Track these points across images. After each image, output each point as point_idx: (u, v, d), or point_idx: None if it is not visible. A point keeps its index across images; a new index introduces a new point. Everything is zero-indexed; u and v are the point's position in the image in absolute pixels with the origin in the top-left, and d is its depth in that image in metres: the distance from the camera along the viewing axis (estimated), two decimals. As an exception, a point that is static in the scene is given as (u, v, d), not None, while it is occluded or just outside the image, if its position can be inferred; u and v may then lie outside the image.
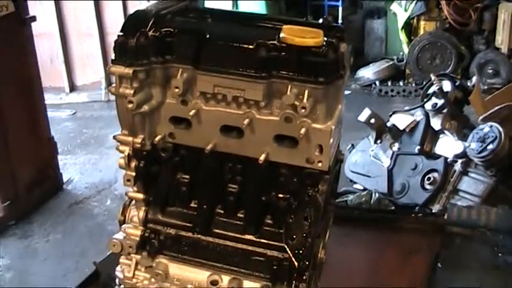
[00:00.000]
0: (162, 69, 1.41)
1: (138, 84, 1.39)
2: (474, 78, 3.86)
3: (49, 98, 6.62)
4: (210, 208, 1.56)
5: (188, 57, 1.37)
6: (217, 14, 1.56)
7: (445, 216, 2.27)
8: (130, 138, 1.48)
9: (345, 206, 2.84)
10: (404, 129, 3.40)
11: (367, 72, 7.96)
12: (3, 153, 4.98)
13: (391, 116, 3.52)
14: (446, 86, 3.43)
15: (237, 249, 1.55)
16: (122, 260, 1.66)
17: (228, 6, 7.56)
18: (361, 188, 3.61)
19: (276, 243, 1.51)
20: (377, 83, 7.81)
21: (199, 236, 1.57)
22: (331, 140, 1.39)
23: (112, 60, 1.37)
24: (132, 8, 7.54)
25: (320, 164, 1.41)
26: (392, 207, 3.15)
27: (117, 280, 1.69)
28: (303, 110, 1.32)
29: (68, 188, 5.73)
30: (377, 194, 3.25)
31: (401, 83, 7.72)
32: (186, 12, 1.53)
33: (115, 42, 1.37)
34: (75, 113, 7.52)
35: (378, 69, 7.88)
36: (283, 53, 1.32)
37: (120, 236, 1.64)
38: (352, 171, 3.71)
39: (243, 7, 7.63)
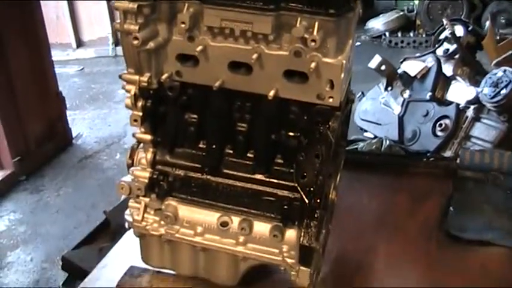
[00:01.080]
0: (168, 4, 1.36)
1: (143, 20, 1.35)
2: (487, 23, 3.78)
3: (56, 55, 6.59)
4: (219, 148, 1.54)
5: (194, -10, 1.33)
6: None
7: (458, 161, 2.23)
8: (136, 77, 1.45)
9: (356, 151, 2.82)
10: (415, 76, 3.35)
11: (377, 23, 7.84)
12: (12, 109, 4.98)
13: (402, 62, 3.45)
14: (459, 30, 3.36)
15: (247, 190, 1.53)
16: (131, 203, 1.65)
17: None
18: (372, 136, 3.58)
19: (286, 183, 1.49)
20: (387, 34, 7.70)
21: (208, 176, 1.55)
22: (342, 75, 1.34)
23: (116, -6, 1.33)
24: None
25: (331, 100, 1.38)
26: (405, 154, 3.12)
27: (126, 224, 1.68)
28: (313, 43, 1.28)
29: (77, 143, 5.76)
30: (388, 141, 3.22)
31: (411, 34, 7.61)
32: None
33: (119, -24, 1.32)
34: (82, 69, 7.49)
35: (387, 20, 7.76)
36: (292, -17, 1.27)
37: (128, 178, 1.62)
38: (363, 119, 3.68)
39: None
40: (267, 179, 1.51)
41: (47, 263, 4.13)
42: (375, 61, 3.35)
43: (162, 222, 1.60)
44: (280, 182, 1.50)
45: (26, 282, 3.99)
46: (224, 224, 1.54)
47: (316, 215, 1.40)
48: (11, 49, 4.87)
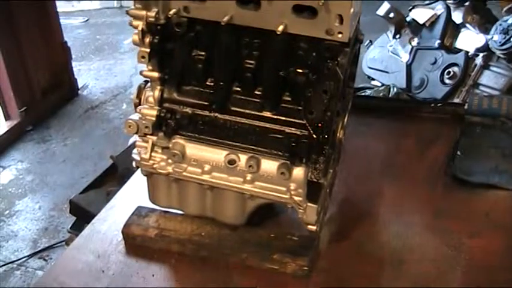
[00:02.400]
0: None
1: (149, -48, 1.33)
2: (499, -32, 3.71)
3: (61, 6, 6.52)
4: (227, 85, 1.52)
5: None
6: None
7: (466, 106, 2.23)
8: (143, 12, 1.43)
9: (363, 95, 2.80)
10: (424, 24, 3.31)
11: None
12: (17, 59, 4.97)
13: (410, 10, 3.41)
14: (470, -24, 3.31)
15: (255, 127, 1.52)
16: (138, 142, 1.65)
17: None
18: (379, 84, 3.56)
19: (294, 120, 1.48)
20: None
21: (216, 114, 1.54)
22: (352, 9, 1.33)
23: None
24: None
25: (340, 36, 1.36)
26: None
27: (133, 163, 1.68)
28: (324, -26, 1.26)
29: (83, 94, 5.76)
30: (395, 89, 3.20)
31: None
32: None
33: None
34: (87, 20, 7.43)
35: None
36: None
37: (135, 116, 1.62)
38: (370, 68, 3.65)
39: None
40: (275, 116, 1.50)
41: (54, 211, 4.19)
42: (384, 8, 3.30)
43: (170, 161, 1.60)
44: (288, 119, 1.49)
45: (35, 230, 4.05)
46: (231, 162, 1.55)
47: (324, 151, 1.40)
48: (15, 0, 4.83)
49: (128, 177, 2.09)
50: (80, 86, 5.67)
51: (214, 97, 1.53)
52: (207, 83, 1.55)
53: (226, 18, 1.39)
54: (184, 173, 1.60)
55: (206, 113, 1.55)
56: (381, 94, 3.18)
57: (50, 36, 5.33)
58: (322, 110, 1.39)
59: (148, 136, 1.62)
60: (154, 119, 1.58)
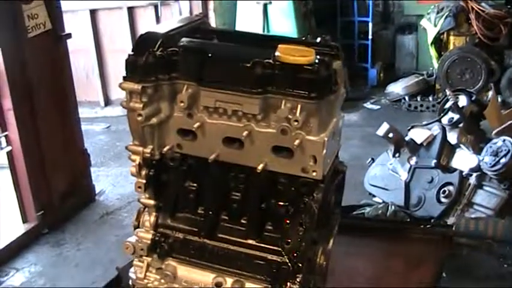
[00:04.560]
0: (169, 85, 1.53)
1: (147, 99, 1.52)
2: (490, 93, 3.90)
3: (84, 112, 6.84)
4: (216, 214, 1.67)
5: (192, 75, 1.50)
6: (223, 34, 1.68)
7: (453, 227, 2.33)
8: (140, 148, 1.61)
9: (354, 216, 2.92)
10: (421, 143, 3.46)
11: (397, 88, 7.99)
12: (38, 164, 5.18)
13: (409, 130, 3.58)
14: (462, 100, 3.49)
15: (240, 253, 1.65)
16: (135, 262, 1.79)
17: (259, 25, 7.72)
18: (380, 201, 3.68)
19: (275, 248, 1.61)
20: (406, 98, 7.83)
21: (205, 240, 1.68)
22: (324, 151, 1.48)
23: (123, 77, 1.51)
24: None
25: (314, 174, 1.51)
26: (407, 220, 3.21)
27: (130, 281, 1.81)
28: (296, 123, 1.43)
29: (100, 199, 5.92)
30: (393, 207, 3.32)
31: (430, 98, 7.72)
32: (195, 32, 1.66)
33: (126, 60, 1.51)
34: (109, 127, 7.73)
35: (407, 84, 7.91)
36: (277, 71, 1.43)
37: (133, 239, 1.77)
38: (371, 185, 3.78)
39: (274, 25, 7.77)
40: (258, 244, 1.64)
41: (63, 318, 4.22)
42: (383, 128, 3.48)
43: (163, 281, 1.73)
44: (270, 247, 1.62)
45: (42, 336, 4.07)
46: (218, 284, 1.67)
47: (298, 279, 1.51)
48: (40, 106, 5.11)
49: (131, 289, 2.20)
50: (97, 191, 5.86)
51: (204, 225, 1.68)
52: (199, 211, 1.71)
53: (213, 156, 1.56)
54: (175, 293, 1.72)
55: (196, 238, 1.69)
56: (380, 212, 3.30)
57: (71, 142, 5.58)
58: (297, 241, 1.52)
59: (144, 257, 1.75)
60: (149, 242, 1.72)
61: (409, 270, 2.26)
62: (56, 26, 5.24)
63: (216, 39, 1.63)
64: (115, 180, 6.23)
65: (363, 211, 3.33)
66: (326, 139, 1.48)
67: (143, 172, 1.63)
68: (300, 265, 1.51)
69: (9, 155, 5.08)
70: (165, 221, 1.73)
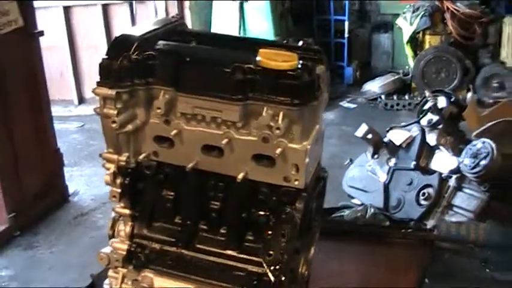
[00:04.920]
0: (145, 90, 1.47)
1: (121, 105, 1.45)
2: (469, 94, 3.90)
3: (58, 111, 6.72)
4: (194, 224, 1.61)
5: (168, 80, 1.43)
6: (202, 37, 1.62)
7: (435, 232, 2.30)
8: (115, 156, 1.54)
9: (335, 220, 2.88)
10: (400, 145, 3.43)
11: (373, 86, 8.00)
12: (10, 164, 5.07)
13: (388, 131, 3.55)
14: (442, 102, 3.47)
15: (219, 264, 1.59)
16: (110, 273, 1.72)
17: (235, 24, 7.66)
18: (359, 203, 3.64)
19: (256, 259, 1.56)
20: (383, 96, 7.84)
21: (182, 250, 1.62)
22: (307, 160, 1.43)
23: (97, 82, 1.44)
24: (140, 20, 7.67)
25: (297, 182, 1.46)
26: (387, 223, 3.18)
27: (105, 292, 1.74)
28: (278, 131, 1.37)
29: (73, 200, 5.82)
30: (372, 209, 3.28)
31: (406, 97, 7.75)
32: (172, 34, 1.59)
33: (99, 64, 1.44)
34: (83, 125, 7.61)
35: (383, 83, 7.93)
36: (258, 76, 1.37)
37: (107, 249, 1.70)
38: (350, 186, 3.75)
39: (251, 24, 7.72)
40: (238, 255, 1.58)
41: (34, 323, 4.14)
42: (362, 130, 3.45)
43: (139, 293, 1.67)
44: (251, 258, 1.56)
45: None
46: (197, 297, 1.61)
47: (279, 292, 1.46)
48: (12, 105, 5.00)
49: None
50: (70, 192, 5.75)
51: (181, 235, 1.62)
52: (176, 220, 1.64)
53: (191, 165, 1.50)
54: (152, 306, 1.66)
55: (174, 249, 1.63)
56: (359, 214, 3.27)
57: (43, 142, 5.47)
58: (279, 253, 1.47)
59: (119, 268, 1.69)
60: (125, 253, 1.65)
61: (390, 275, 2.23)
62: (28, 23, 5.13)
63: (195, 42, 1.57)
64: (89, 180, 6.13)
65: (341, 213, 3.30)
66: (309, 147, 1.43)
67: (118, 181, 1.56)
68: (283, 277, 1.46)
69: (-21, 155, 4.96)
70: (141, 231, 1.66)
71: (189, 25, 7.87)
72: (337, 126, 7.03)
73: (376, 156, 3.52)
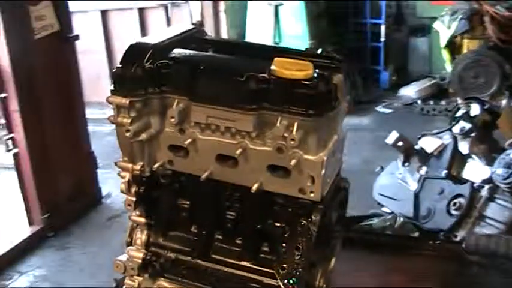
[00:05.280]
0: (159, 99, 1.45)
1: (135, 114, 1.44)
2: (504, 101, 3.78)
3: (93, 113, 6.80)
4: (209, 234, 1.59)
5: (182, 89, 1.41)
6: (219, 44, 1.59)
7: (463, 245, 2.23)
8: (130, 165, 1.53)
9: (361, 229, 2.82)
10: (432, 153, 3.35)
11: (409, 91, 7.90)
12: (44, 166, 5.16)
13: (419, 138, 3.47)
14: (475, 109, 3.37)
15: (234, 275, 1.57)
16: (127, 280, 1.71)
17: (270, 26, 7.66)
18: (389, 211, 3.57)
19: (271, 271, 1.52)
20: (419, 101, 7.72)
21: (198, 260, 1.60)
22: (323, 171, 1.40)
23: (111, 90, 1.43)
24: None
25: (312, 195, 1.42)
26: (416, 233, 3.11)
27: (121, 300, 1.74)
28: (292, 142, 1.34)
29: (106, 202, 5.89)
30: (401, 218, 3.21)
31: (443, 102, 7.61)
32: (189, 42, 1.57)
33: (113, 73, 1.43)
34: (117, 128, 7.68)
35: (420, 88, 7.82)
36: (272, 86, 1.34)
37: (123, 257, 1.69)
38: (380, 194, 3.67)
39: (285, 27, 7.70)
40: (253, 266, 1.55)
41: (65, 323, 4.19)
42: (392, 137, 3.37)
43: (154, 302, 1.65)
44: (266, 270, 1.53)
45: None
46: (211, 307, 1.59)
47: (293, 306, 1.43)
48: (47, 108, 5.08)
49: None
50: (103, 194, 5.82)
51: (196, 244, 1.60)
52: (191, 230, 1.62)
53: (205, 175, 1.47)
54: (166, 315, 1.64)
55: (189, 258, 1.61)
56: (387, 223, 3.20)
57: (77, 145, 5.56)
58: (293, 267, 1.44)
59: (135, 276, 1.68)
60: (140, 261, 1.64)
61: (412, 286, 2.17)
62: (64, 27, 5.22)
63: (212, 50, 1.55)
64: (122, 182, 6.17)
65: (370, 222, 3.24)
66: (325, 158, 1.39)
67: (133, 189, 1.55)
68: (297, 292, 1.42)
69: (16, 156, 5.07)
70: (157, 239, 1.65)
71: (224, 28, 7.90)
72: (371, 132, 6.95)
73: (406, 164, 3.44)
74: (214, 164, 1.48)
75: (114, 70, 1.43)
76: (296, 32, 7.61)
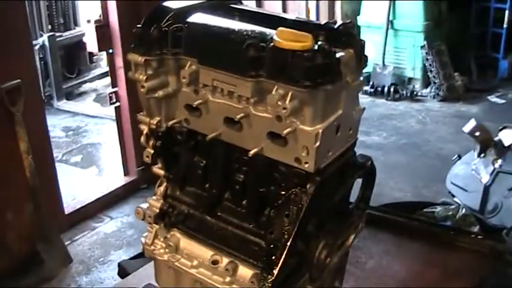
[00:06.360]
0: (175, 60, 1.54)
1: (151, 72, 1.54)
2: None
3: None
4: (219, 192, 1.67)
5: (192, 51, 1.49)
6: (246, 13, 1.64)
7: (506, 243, 2.16)
8: (147, 119, 1.64)
9: (401, 214, 2.77)
10: (509, 146, 3.20)
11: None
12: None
13: (500, 130, 3.32)
14: None
15: (237, 235, 1.64)
16: (148, 226, 1.84)
17: (385, 3, 7.49)
18: (459, 201, 3.47)
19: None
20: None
21: (205, 216, 1.69)
22: (317, 143, 1.42)
23: (130, 48, 1.53)
24: None
25: (307, 165, 1.45)
26: (476, 226, 3.00)
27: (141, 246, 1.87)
28: (284, 111, 1.38)
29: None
30: (464, 210, 3.11)
31: None
32: (216, 8, 1.64)
33: (133, 32, 1.53)
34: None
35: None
36: (270, 55, 1.38)
37: (144, 205, 1.82)
38: (452, 183, 3.57)
39: (400, 7, 7.50)
40: (255, 229, 1.61)
41: (143, 267, 4.45)
42: (470, 125, 3.24)
43: (167, 250, 1.77)
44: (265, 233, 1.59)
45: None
46: (215, 262, 1.68)
47: (271, 274, 1.47)
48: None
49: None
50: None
51: (205, 200, 1.69)
52: (206, 186, 1.71)
53: (211, 135, 1.55)
54: (176, 263, 1.75)
55: (197, 213, 1.71)
56: (450, 213, 3.09)
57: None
58: (281, 233, 1.48)
59: (153, 224, 1.80)
60: (158, 210, 1.76)
61: (444, 280, 2.13)
62: None
63: (237, 18, 1.60)
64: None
65: (433, 210, 3.16)
66: (321, 131, 1.42)
67: (151, 142, 1.66)
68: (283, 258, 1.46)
69: (117, 110, 5.38)
70: (174, 192, 1.76)
71: (338, 3, 7.85)
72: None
73: (482, 155, 3.32)
74: (223, 126, 1.55)
75: (134, 30, 1.53)
76: (412, 13, 7.39)
